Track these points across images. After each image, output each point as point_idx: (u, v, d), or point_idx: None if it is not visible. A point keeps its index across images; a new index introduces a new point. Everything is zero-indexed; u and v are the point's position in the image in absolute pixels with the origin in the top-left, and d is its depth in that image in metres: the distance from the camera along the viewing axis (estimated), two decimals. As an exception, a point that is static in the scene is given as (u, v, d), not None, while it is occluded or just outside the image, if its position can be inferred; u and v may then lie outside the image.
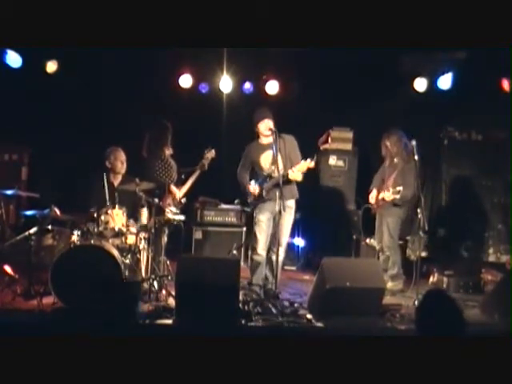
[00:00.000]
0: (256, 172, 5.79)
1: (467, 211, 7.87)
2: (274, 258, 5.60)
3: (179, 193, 6.00)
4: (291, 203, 5.58)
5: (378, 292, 5.12)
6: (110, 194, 5.48)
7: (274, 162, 5.57)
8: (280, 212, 5.33)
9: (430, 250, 7.67)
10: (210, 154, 6.09)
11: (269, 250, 5.69)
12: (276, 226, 5.51)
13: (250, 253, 6.14)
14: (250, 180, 5.73)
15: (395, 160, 6.19)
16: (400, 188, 5.92)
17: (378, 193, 6.20)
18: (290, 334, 4.73)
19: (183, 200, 6.02)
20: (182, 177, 6.03)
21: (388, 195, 6.05)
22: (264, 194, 5.59)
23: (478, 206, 7.82)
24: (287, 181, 5.47)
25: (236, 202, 5.84)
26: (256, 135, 5.72)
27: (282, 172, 5.49)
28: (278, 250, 5.48)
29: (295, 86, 7.33)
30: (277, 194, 5.45)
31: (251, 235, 5.96)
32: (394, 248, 6.18)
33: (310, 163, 5.47)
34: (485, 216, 7.78)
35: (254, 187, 5.62)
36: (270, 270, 5.65)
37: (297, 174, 5.48)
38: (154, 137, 6.05)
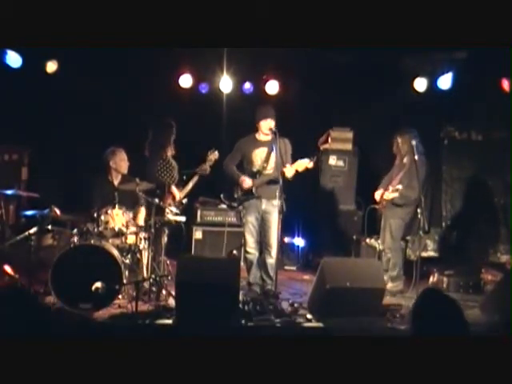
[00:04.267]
0: (244, 167, 5.78)
1: (467, 211, 7.88)
2: (267, 260, 5.62)
3: (178, 194, 5.99)
4: (277, 203, 5.49)
5: (378, 292, 5.13)
6: (110, 193, 5.49)
7: (267, 159, 5.60)
8: (281, 212, 5.35)
9: (434, 250, 7.70)
10: (213, 155, 6.06)
11: (261, 252, 5.71)
12: (264, 225, 5.55)
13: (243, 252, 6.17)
14: None
15: (404, 160, 6.16)
16: (399, 186, 5.91)
17: (384, 192, 6.20)
18: (289, 334, 4.73)
19: (184, 201, 6.02)
20: (184, 177, 6.02)
21: (387, 194, 6.06)
22: (254, 190, 5.60)
23: (478, 206, 7.82)
24: (276, 180, 5.46)
25: (222, 196, 5.80)
26: (254, 130, 5.73)
27: (273, 172, 5.51)
28: (269, 251, 5.58)
29: (295, 86, 7.33)
30: (266, 192, 5.49)
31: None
32: (395, 249, 6.17)
33: (309, 163, 5.48)
34: (485, 216, 7.78)
35: (247, 181, 5.61)
36: (265, 272, 5.66)
37: (290, 170, 5.47)
38: (158, 136, 6.04)
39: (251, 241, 5.68)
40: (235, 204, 5.73)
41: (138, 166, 5.90)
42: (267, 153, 5.65)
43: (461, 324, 2.35)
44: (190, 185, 6.06)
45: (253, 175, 5.65)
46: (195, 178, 6.05)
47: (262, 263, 5.69)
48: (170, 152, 6.03)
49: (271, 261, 5.59)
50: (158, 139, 6.02)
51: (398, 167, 6.24)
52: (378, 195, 6.26)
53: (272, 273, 5.56)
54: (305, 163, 5.50)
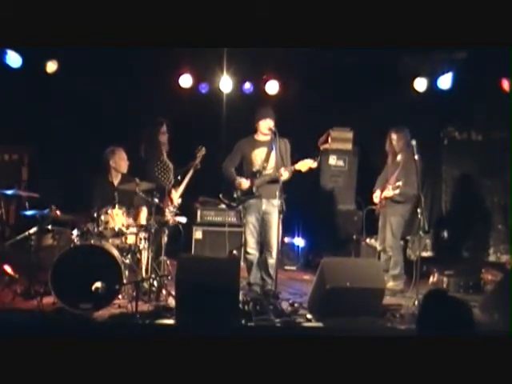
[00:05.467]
0: (244, 168, 5.78)
1: (467, 211, 7.88)
2: (268, 260, 5.61)
3: (176, 194, 5.99)
4: (277, 203, 5.44)
5: (378, 292, 5.12)
6: (110, 193, 5.49)
7: (267, 159, 5.60)
8: (281, 212, 5.34)
9: (434, 250, 7.70)
10: (201, 152, 6.05)
11: (261, 252, 5.71)
12: (264, 225, 5.56)
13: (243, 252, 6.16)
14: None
15: (398, 157, 6.16)
16: (399, 183, 5.92)
17: (382, 192, 6.20)
18: (289, 334, 4.73)
19: (179, 200, 6.02)
20: (178, 178, 6.01)
21: (387, 192, 6.06)
22: (254, 190, 5.60)
23: (478, 206, 7.83)
24: (276, 180, 5.45)
25: (221, 196, 5.80)
26: (254, 131, 5.74)
27: (273, 171, 5.50)
28: (270, 252, 5.56)
29: (295, 86, 7.33)
30: (266, 192, 5.49)
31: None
32: (396, 248, 6.17)
33: (312, 163, 5.49)
34: (485, 216, 7.78)
35: (244, 182, 5.61)
36: (265, 272, 5.65)
37: (286, 174, 5.48)
38: (151, 135, 6.04)
39: (252, 241, 5.67)
40: (234, 204, 5.72)
41: (138, 165, 5.90)
42: (267, 153, 5.65)
43: (469, 326, 2.34)
44: (185, 183, 6.03)
45: (253, 175, 5.64)
46: (188, 176, 6.03)
47: (262, 263, 5.68)
48: (165, 151, 6.02)
49: (272, 261, 5.58)
50: (151, 138, 6.02)
51: (393, 165, 6.24)
52: (376, 197, 6.26)
53: (272, 273, 5.56)
54: (308, 163, 5.50)
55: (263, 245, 5.70)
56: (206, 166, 6.24)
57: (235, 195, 5.66)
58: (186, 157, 6.19)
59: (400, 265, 6.14)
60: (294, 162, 5.61)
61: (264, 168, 5.64)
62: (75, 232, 5.25)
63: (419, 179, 5.73)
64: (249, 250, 5.69)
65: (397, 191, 5.97)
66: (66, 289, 4.79)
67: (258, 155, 5.68)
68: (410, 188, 5.90)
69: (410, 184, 5.90)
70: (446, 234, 8.00)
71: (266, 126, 5.59)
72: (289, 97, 7.31)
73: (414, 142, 5.80)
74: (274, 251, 5.56)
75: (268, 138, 5.66)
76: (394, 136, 6.19)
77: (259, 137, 5.72)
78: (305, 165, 5.51)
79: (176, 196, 5.97)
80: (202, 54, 6.72)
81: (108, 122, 7.18)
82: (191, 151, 6.25)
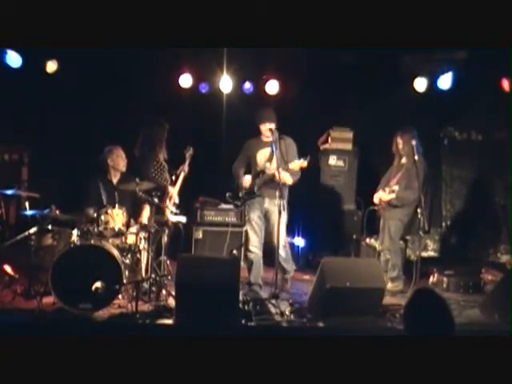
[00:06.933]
0: (252, 168, 5.84)
1: (467, 211, 7.88)
2: (280, 253, 5.58)
3: (176, 194, 5.98)
4: (278, 202, 5.41)
5: (378, 292, 5.12)
6: (110, 192, 5.48)
7: (270, 159, 5.62)
8: (280, 212, 5.34)
9: (434, 250, 7.71)
10: (189, 152, 6.00)
11: (264, 253, 5.71)
12: (268, 224, 5.61)
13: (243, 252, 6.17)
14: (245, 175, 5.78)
15: (403, 160, 6.13)
16: (396, 187, 5.90)
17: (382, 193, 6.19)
18: (289, 334, 4.73)
19: (176, 200, 6.01)
20: (173, 178, 6.01)
21: (384, 195, 6.04)
22: (255, 189, 5.62)
23: (478, 206, 7.83)
24: (276, 180, 5.44)
25: (227, 195, 5.83)
26: (258, 132, 5.77)
27: (274, 171, 5.51)
28: (280, 246, 5.52)
29: (295, 86, 7.33)
30: (267, 191, 5.54)
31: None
32: (394, 251, 6.15)
33: (302, 163, 5.47)
34: (485, 216, 7.78)
35: (246, 180, 5.67)
36: (284, 263, 5.72)
37: (285, 175, 5.47)
38: (149, 136, 6.02)
39: (254, 239, 5.67)
40: (239, 203, 5.79)
41: (135, 164, 5.91)
42: (270, 153, 5.68)
43: (447, 322, 2.35)
44: (178, 185, 5.99)
45: (257, 175, 5.71)
46: (181, 177, 5.99)
47: (277, 259, 5.58)
48: (162, 153, 6.01)
49: (283, 254, 5.67)
50: (149, 139, 6.01)
51: (396, 168, 6.22)
52: (376, 198, 6.25)
53: (290, 262, 5.76)
54: (299, 163, 5.48)
55: (273, 242, 5.66)
56: (205, 166, 6.25)
57: (240, 194, 5.71)
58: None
59: (398, 267, 6.13)
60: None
61: (267, 168, 5.68)
62: (75, 232, 5.25)
63: (420, 180, 5.71)
64: (251, 248, 5.68)
65: (392, 195, 5.96)
66: (66, 289, 4.79)
67: (262, 155, 5.74)
68: (411, 192, 5.88)
69: (411, 188, 5.88)
70: (445, 234, 8.00)
71: (266, 129, 5.65)
72: (289, 97, 7.30)
73: (413, 143, 5.79)
74: (282, 249, 5.58)
75: (271, 138, 5.68)
76: (399, 140, 6.15)
77: (264, 138, 5.77)
78: (295, 165, 5.50)
79: (175, 195, 5.96)
80: (201, 54, 6.72)
81: (108, 122, 7.18)
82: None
